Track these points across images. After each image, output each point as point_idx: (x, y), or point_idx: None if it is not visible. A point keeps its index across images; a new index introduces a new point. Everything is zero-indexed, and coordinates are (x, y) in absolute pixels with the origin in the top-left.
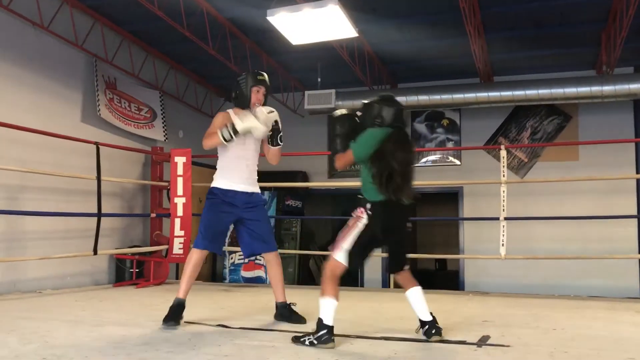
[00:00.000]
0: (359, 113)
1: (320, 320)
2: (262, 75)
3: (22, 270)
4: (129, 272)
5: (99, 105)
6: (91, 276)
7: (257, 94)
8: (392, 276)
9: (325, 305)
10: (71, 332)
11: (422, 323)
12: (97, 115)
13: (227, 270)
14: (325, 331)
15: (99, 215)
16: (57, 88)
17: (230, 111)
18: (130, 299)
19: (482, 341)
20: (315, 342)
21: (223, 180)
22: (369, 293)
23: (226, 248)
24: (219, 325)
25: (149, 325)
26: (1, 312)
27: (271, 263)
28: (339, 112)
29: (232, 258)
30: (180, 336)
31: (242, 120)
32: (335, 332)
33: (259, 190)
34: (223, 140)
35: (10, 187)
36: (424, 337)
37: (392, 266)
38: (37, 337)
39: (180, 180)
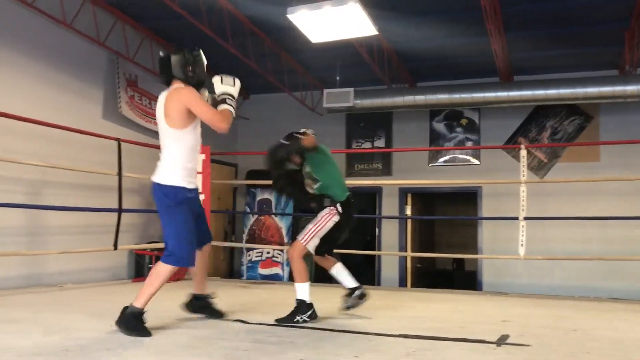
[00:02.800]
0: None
1: (303, 301)
2: None
3: (43, 264)
4: (148, 267)
5: (120, 102)
6: (111, 271)
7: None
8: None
9: (302, 288)
10: (93, 325)
11: (351, 290)
12: (118, 112)
13: (244, 267)
14: (313, 309)
15: (120, 210)
16: (78, 85)
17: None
18: None
19: (501, 340)
20: (307, 319)
21: (186, 177)
22: (386, 292)
23: (244, 245)
24: (237, 320)
25: (168, 319)
26: (24, 304)
27: (206, 254)
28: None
29: (249, 255)
30: (199, 329)
31: (232, 86)
32: (354, 330)
33: None
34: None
35: (33, 182)
36: (443, 335)
37: (327, 250)
38: (60, 329)
39: (199, 177)
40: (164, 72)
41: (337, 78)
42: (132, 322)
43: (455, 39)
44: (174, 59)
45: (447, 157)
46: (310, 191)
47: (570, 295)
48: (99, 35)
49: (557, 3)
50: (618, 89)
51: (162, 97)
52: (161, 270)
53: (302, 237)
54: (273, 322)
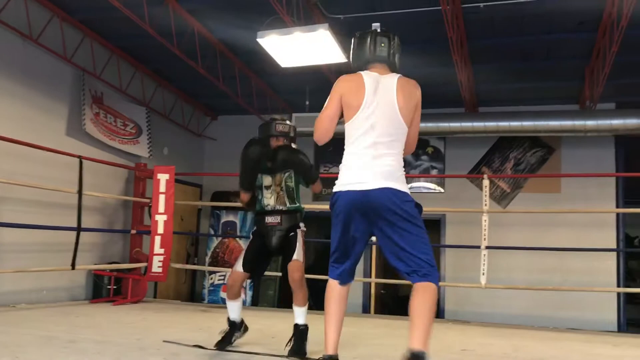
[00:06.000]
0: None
1: (307, 326)
2: None
3: None
4: (107, 288)
5: (84, 119)
6: (68, 291)
7: None
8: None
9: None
10: (43, 348)
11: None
12: (82, 129)
13: (206, 291)
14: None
15: (79, 229)
16: (43, 100)
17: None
18: (106, 316)
19: None
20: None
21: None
22: (348, 318)
23: (206, 268)
24: (195, 346)
25: (124, 343)
26: None
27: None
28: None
29: (211, 278)
30: (154, 355)
31: None
32: (312, 356)
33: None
34: None
35: None
36: None
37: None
38: (7, 352)
39: (162, 198)
40: (381, 51)
41: (307, 103)
42: None
43: (422, 68)
44: (393, 40)
45: (412, 185)
46: (281, 207)
47: (530, 324)
48: (65, 51)
49: (521, 38)
50: (578, 123)
51: (389, 81)
52: (434, 292)
53: (301, 257)
54: (230, 349)
